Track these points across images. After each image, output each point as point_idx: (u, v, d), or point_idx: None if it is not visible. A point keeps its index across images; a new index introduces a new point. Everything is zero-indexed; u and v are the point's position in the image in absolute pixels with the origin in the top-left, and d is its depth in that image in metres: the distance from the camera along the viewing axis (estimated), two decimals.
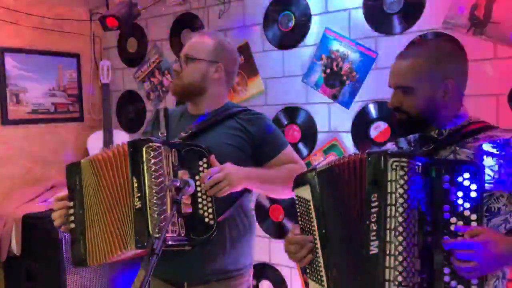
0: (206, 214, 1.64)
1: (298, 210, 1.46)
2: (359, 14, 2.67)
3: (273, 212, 3.02)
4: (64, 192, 1.72)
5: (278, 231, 3.00)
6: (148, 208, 1.53)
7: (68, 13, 3.69)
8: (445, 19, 2.42)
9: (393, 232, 1.20)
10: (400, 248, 1.19)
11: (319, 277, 1.39)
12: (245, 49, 3.08)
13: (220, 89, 1.88)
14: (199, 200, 1.64)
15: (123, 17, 3.21)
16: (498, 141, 1.34)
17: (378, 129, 2.65)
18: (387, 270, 1.19)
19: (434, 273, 1.21)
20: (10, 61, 3.39)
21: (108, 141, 3.45)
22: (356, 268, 1.28)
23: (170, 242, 1.50)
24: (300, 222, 1.45)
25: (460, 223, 1.21)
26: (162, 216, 1.52)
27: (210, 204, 1.64)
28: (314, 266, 1.40)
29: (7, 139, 3.39)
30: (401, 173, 1.22)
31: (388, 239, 1.20)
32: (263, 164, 1.82)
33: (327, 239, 1.36)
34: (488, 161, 1.33)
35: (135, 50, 3.71)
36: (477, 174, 1.21)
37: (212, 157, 1.67)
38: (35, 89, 3.54)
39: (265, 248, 3.04)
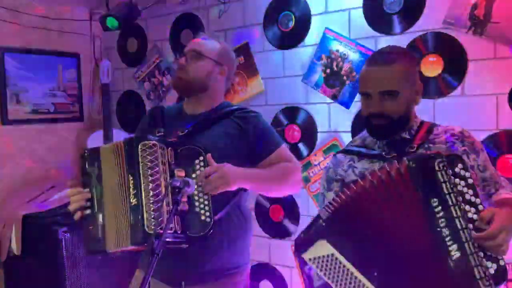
0: (202, 211, 1.64)
1: (322, 273, 1.26)
2: (359, 14, 2.67)
3: (273, 212, 3.02)
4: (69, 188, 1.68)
5: (278, 231, 3.00)
6: (143, 206, 1.53)
7: (68, 13, 3.69)
8: (445, 19, 2.42)
9: (465, 231, 1.22)
10: (475, 245, 1.22)
11: None
12: (245, 49, 3.08)
13: (219, 90, 1.93)
14: (196, 198, 1.64)
15: (123, 17, 3.21)
16: (456, 133, 1.50)
17: None
18: (475, 269, 1.21)
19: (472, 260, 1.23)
20: (10, 61, 3.39)
21: (108, 141, 3.44)
22: (436, 281, 1.26)
23: (167, 239, 1.50)
24: (333, 284, 1.26)
25: (472, 209, 1.26)
26: (157, 213, 1.52)
27: (206, 202, 1.64)
28: None
29: (7, 139, 3.39)
30: (449, 172, 1.25)
31: (463, 239, 1.22)
32: (258, 162, 1.83)
33: (382, 278, 1.26)
34: (458, 151, 1.45)
35: (135, 50, 3.71)
36: (465, 163, 1.29)
37: (209, 155, 1.67)
38: (35, 89, 3.54)
39: (265, 248, 3.04)
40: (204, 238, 1.63)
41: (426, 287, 1.27)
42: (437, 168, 1.25)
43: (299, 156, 2.87)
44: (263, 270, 3.05)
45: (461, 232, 1.22)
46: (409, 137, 1.51)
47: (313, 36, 2.84)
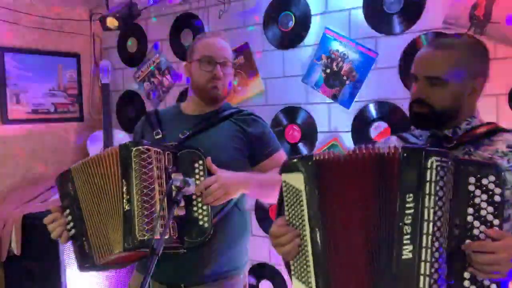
0: (201, 217, 1.64)
1: (285, 197, 1.29)
2: (359, 14, 2.67)
3: (273, 212, 3.02)
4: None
5: None
6: (135, 211, 1.53)
7: (68, 13, 3.69)
8: (445, 19, 2.42)
9: (430, 237, 1.12)
10: (436, 255, 1.12)
11: (305, 279, 1.26)
12: (245, 49, 3.08)
13: None
14: (194, 202, 1.64)
15: (123, 17, 3.21)
16: None
17: (378, 129, 2.65)
18: (421, 277, 1.11)
19: (457, 279, 1.15)
20: (10, 61, 3.39)
21: (108, 141, 3.44)
22: (379, 273, 1.18)
23: (164, 245, 1.50)
24: (287, 213, 1.29)
25: (483, 227, 1.15)
26: (149, 219, 1.52)
27: (205, 207, 1.64)
28: (301, 265, 1.27)
29: (7, 139, 3.39)
30: (441, 173, 1.14)
31: (424, 244, 1.12)
32: (256, 163, 1.83)
33: (324, 240, 1.22)
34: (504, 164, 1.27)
35: (135, 50, 3.71)
36: (502, 178, 1.15)
37: (208, 160, 1.67)
38: (35, 89, 3.54)
39: (265, 248, 3.04)
40: (202, 243, 1.63)
41: (359, 270, 1.20)
42: (429, 165, 1.14)
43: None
44: (263, 270, 3.05)
45: (424, 236, 1.12)
46: (451, 135, 1.36)
47: (313, 36, 2.84)
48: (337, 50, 2.74)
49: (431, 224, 1.13)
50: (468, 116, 1.39)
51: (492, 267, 1.12)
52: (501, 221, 1.14)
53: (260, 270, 3.04)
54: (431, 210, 1.13)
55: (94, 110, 3.87)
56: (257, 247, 2.98)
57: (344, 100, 2.74)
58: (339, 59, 2.74)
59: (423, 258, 1.12)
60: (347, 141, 2.74)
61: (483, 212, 1.15)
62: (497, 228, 1.14)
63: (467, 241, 1.15)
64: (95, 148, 3.45)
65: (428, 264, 1.11)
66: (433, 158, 1.14)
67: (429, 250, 1.12)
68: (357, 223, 1.21)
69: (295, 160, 1.28)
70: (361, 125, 2.69)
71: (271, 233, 1.34)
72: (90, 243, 1.63)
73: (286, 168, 1.29)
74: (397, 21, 2.57)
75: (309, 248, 1.25)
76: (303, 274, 1.27)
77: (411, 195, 1.15)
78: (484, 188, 1.15)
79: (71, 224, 1.67)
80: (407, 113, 1.44)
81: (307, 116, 2.89)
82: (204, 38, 1.88)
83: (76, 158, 3.57)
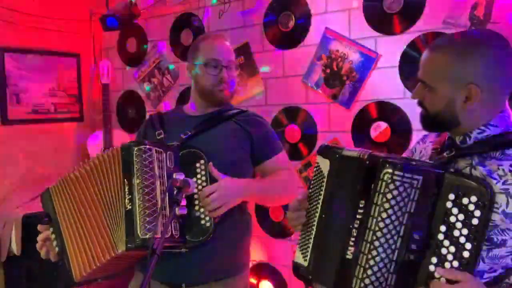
0: (202, 216, 1.64)
1: (314, 175, 1.41)
2: (359, 14, 2.67)
3: (273, 212, 3.02)
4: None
5: (278, 231, 3.00)
6: (137, 210, 1.53)
7: (68, 13, 3.69)
8: (445, 19, 2.42)
9: (368, 244, 1.16)
10: (371, 262, 1.14)
11: (304, 250, 1.38)
12: (245, 49, 3.08)
13: None
14: (196, 202, 1.64)
15: (123, 17, 3.21)
16: None
17: (378, 129, 2.65)
18: (354, 279, 1.17)
19: (356, 271, 1.19)
20: (10, 61, 3.39)
21: (108, 141, 3.44)
22: (333, 264, 1.27)
23: (165, 244, 1.50)
24: (311, 189, 1.41)
25: (452, 248, 1.10)
26: (151, 218, 1.52)
27: None
28: (305, 238, 1.39)
29: (7, 139, 3.39)
30: (391, 186, 1.13)
31: (362, 249, 1.17)
32: (258, 164, 1.83)
33: (323, 221, 1.35)
34: (495, 187, 1.14)
35: (135, 50, 3.71)
36: (486, 200, 1.06)
37: (211, 165, 1.67)
38: (35, 89, 3.54)
39: (265, 248, 3.04)
40: (204, 242, 1.63)
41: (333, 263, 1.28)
42: (381, 176, 1.14)
43: (299, 156, 2.88)
44: (263, 270, 3.05)
45: (364, 242, 1.17)
46: (459, 143, 1.27)
47: (313, 36, 2.84)
48: (337, 50, 2.74)
49: (371, 233, 1.16)
50: (482, 124, 1.23)
51: None
52: (475, 246, 1.07)
53: (260, 270, 3.04)
54: (374, 220, 1.16)
55: (94, 110, 3.87)
56: (257, 247, 2.98)
57: (344, 100, 2.74)
58: (339, 59, 2.74)
59: (359, 262, 1.17)
60: (347, 141, 2.74)
61: (456, 233, 1.10)
62: (467, 255, 1.08)
63: (433, 258, 1.12)
64: (95, 148, 3.45)
65: (361, 268, 1.16)
66: (386, 171, 1.14)
67: (365, 257, 1.16)
68: (344, 215, 1.29)
69: (330, 147, 1.39)
70: (361, 125, 2.69)
71: (292, 205, 1.45)
72: (69, 260, 1.66)
73: (322, 151, 1.40)
74: (397, 21, 2.57)
75: (314, 228, 1.36)
76: (304, 247, 1.38)
77: (362, 201, 1.21)
78: (464, 208, 1.09)
79: (55, 242, 1.72)
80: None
81: (307, 116, 2.89)
82: (208, 39, 1.87)
83: (76, 158, 3.58)
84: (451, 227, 1.11)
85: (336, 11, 2.76)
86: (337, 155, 1.34)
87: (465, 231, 1.08)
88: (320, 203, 1.35)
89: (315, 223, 1.36)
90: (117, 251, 1.56)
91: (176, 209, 1.52)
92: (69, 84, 3.76)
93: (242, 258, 1.85)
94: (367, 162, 1.22)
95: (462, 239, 1.09)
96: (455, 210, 1.10)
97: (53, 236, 1.71)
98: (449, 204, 1.11)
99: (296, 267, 1.39)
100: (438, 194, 1.13)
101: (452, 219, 1.10)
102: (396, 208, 1.13)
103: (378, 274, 1.14)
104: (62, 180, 1.71)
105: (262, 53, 3.04)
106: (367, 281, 1.15)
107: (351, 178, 1.27)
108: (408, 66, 2.53)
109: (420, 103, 1.31)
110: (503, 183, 1.14)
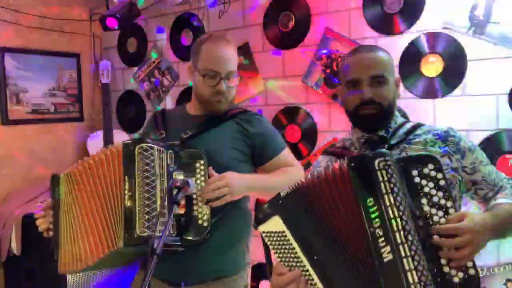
0: (200, 215, 1.64)
1: (271, 246, 1.32)
2: (359, 14, 2.67)
3: None
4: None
5: None
6: (137, 207, 1.54)
7: (68, 13, 3.69)
8: (445, 19, 2.42)
9: (402, 232, 1.14)
10: (413, 248, 1.13)
11: None
12: (245, 49, 3.08)
13: None
14: (194, 201, 1.64)
15: (123, 17, 3.21)
16: (439, 132, 1.43)
17: None
18: (409, 273, 1.12)
19: (436, 266, 1.16)
20: (10, 61, 3.39)
21: (108, 141, 3.45)
22: (370, 282, 1.19)
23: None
24: (279, 259, 1.32)
25: (440, 212, 1.19)
26: (151, 216, 1.53)
27: (205, 206, 1.64)
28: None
29: (7, 139, 3.39)
30: (390, 171, 1.17)
31: (399, 240, 1.14)
32: (261, 164, 1.82)
33: (321, 265, 1.25)
34: (436, 152, 1.37)
35: (135, 50, 3.71)
36: (438, 164, 1.21)
37: (210, 168, 1.67)
38: (35, 89, 3.54)
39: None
40: (201, 242, 1.63)
41: (358, 284, 1.21)
42: (376, 167, 1.17)
43: (299, 156, 2.87)
44: (263, 270, 3.05)
45: (397, 233, 1.14)
46: (385, 134, 1.45)
47: (313, 36, 2.84)
48: (337, 50, 2.74)
49: (398, 220, 1.15)
50: (395, 115, 1.49)
51: (460, 252, 1.15)
52: (453, 202, 1.20)
53: (260, 270, 3.04)
54: (394, 207, 1.15)
55: (94, 110, 3.87)
56: (257, 247, 2.98)
57: None
58: (339, 59, 2.74)
59: (403, 254, 1.13)
60: None
61: (435, 199, 1.20)
62: (452, 211, 1.19)
63: (432, 228, 1.18)
64: (95, 148, 3.45)
65: (410, 258, 1.13)
66: (378, 160, 1.18)
67: (406, 245, 1.14)
68: (354, 238, 1.22)
69: (264, 207, 1.31)
70: None
71: (276, 285, 1.35)
72: (59, 252, 1.67)
73: (260, 219, 1.31)
74: (397, 21, 2.57)
75: (316, 277, 1.26)
76: None
77: (371, 199, 1.18)
78: (428, 177, 1.21)
79: (51, 226, 1.73)
80: (350, 119, 1.52)
81: (307, 116, 2.89)
82: (209, 43, 1.79)
83: (76, 158, 3.57)
84: (428, 196, 1.20)
85: (336, 11, 2.76)
86: (280, 201, 1.29)
87: (440, 194, 1.20)
88: (303, 254, 1.27)
89: (314, 276, 1.26)
90: (116, 247, 1.56)
91: (176, 209, 1.52)
92: (69, 84, 3.76)
93: (241, 258, 1.84)
94: (352, 165, 1.21)
95: (442, 201, 1.20)
96: (424, 182, 1.20)
97: (51, 219, 1.73)
98: (417, 179, 1.21)
99: None
100: (404, 176, 1.22)
101: (426, 189, 1.20)
102: (401, 193, 1.17)
103: (422, 257, 1.14)
104: (71, 172, 1.71)
105: (262, 53, 3.04)
106: (420, 267, 1.13)
107: (330, 197, 1.23)
108: (408, 66, 2.53)
109: (372, 101, 1.40)
110: (440, 148, 1.40)
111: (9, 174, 3.39)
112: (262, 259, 3.15)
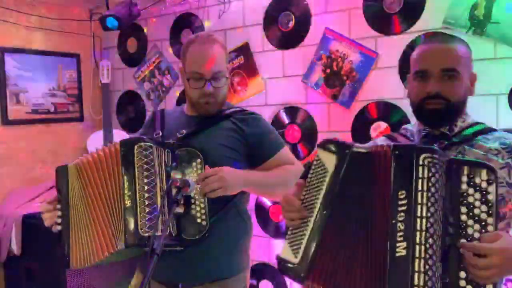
0: (198, 214, 1.64)
1: (312, 170, 1.30)
2: (359, 14, 2.67)
3: (273, 212, 3.02)
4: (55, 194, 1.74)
5: (278, 231, 3.00)
6: (137, 207, 1.53)
7: (68, 13, 3.69)
8: (445, 19, 2.42)
9: (423, 233, 1.11)
10: (430, 251, 1.10)
11: (296, 246, 1.28)
12: (245, 49, 3.08)
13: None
14: (192, 200, 1.64)
15: (123, 17, 3.21)
16: (508, 142, 1.31)
17: (378, 129, 2.65)
18: (416, 274, 1.10)
19: (452, 277, 1.13)
20: (10, 61, 3.39)
21: (108, 141, 3.44)
22: (371, 267, 1.18)
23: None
24: (308, 182, 1.30)
25: (477, 226, 1.13)
26: (151, 215, 1.52)
27: (203, 205, 1.64)
28: (297, 234, 1.29)
29: (7, 139, 3.39)
30: (433, 170, 1.13)
31: (418, 240, 1.11)
32: (259, 164, 1.81)
33: (326, 221, 1.24)
34: (497, 163, 1.27)
35: (135, 50, 3.71)
36: (494, 176, 1.13)
37: (206, 166, 1.67)
38: (35, 89, 3.54)
39: (265, 248, 3.04)
40: (199, 241, 1.63)
41: (358, 266, 1.20)
42: (421, 162, 1.13)
43: (299, 156, 2.87)
44: (263, 270, 3.05)
45: (418, 232, 1.11)
46: (448, 132, 1.35)
47: (313, 36, 2.84)
48: (337, 50, 2.74)
49: (424, 220, 1.12)
50: (464, 114, 1.40)
51: (484, 272, 1.09)
52: (495, 219, 1.13)
53: (260, 270, 3.04)
54: (424, 207, 1.12)
55: (94, 110, 3.87)
56: (257, 247, 2.98)
57: (344, 100, 2.74)
58: (339, 59, 2.74)
59: (417, 254, 1.11)
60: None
61: (476, 211, 1.13)
62: (491, 229, 1.12)
63: (462, 240, 1.13)
64: (95, 148, 3.44)
65: (422, 260, 1.10)
66: (424, 155, 1.14)
67: (422, 247, 1.11)
68: (356, 215, 1.23)
69: (335, 142, 1.29)
70: (361, 125, 2.69)
71: (286, 199, 1.35)
72: (71, 246, 1.65)
73: (326, 145, 1.29)
74: (397, 21, 2.57)
75: (311, 223, 1.26)
76: (295, 243, 1.29)
77: (403, 192, 1.15)
78: (477, 187, 1.14)
79: (59, 220, 1.69)
80: (414, 111, 1.41)
81: (307, 116, 2.89)
82: (194, 46, 1.77)
83: (76, 158, 3.57)
84: (470, 206, 1.14)
85: (336, 11, 2.76)
86: (347, 151, 1.25)
87: (484, 208, 1.13)
88: (321, 199, 1.26)
89: (312, 218, 1.26)
90: (117, 248, 1.56)
91: (176, 209, 1.51)
92: (69, 84, 3.76)
93: (240, 260, 1.83)
94: (396, 152, 1.17)
95: (483, 216, 1.13)
96: (471, 191, 1.14)
97: (59, 213, 1.69)
98: (464, 186, 1.14)
99: (283, 262, 1.28)
100: (450, 178, 1.16)
101: (470, 199, 1.14)
102: (437, 194, 1.14)
103: (436, 264, 1.11)
104: (80, 162, 1.69)
105: (262, 53, 3.04)
106: (430, 272, 1.10)
107: (369, 175, 1.21)
108: (408, 66, 2.52)
109: (438, 96, 1.31)
110: (502, 159, 1.28)
111: (9, 174, 3.39)
112: (262, 259, 3.17)
